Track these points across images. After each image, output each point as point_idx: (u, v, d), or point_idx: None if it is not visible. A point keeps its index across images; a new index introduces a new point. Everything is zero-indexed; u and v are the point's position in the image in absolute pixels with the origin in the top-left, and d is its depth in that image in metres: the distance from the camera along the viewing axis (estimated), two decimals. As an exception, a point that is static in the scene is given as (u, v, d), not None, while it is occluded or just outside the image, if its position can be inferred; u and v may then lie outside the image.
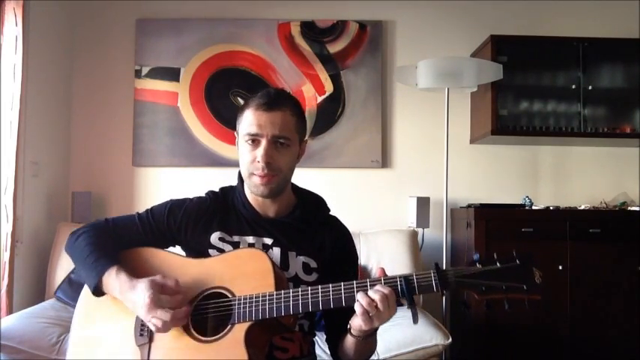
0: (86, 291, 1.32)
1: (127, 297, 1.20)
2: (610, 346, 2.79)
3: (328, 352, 1.42)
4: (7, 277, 2.55)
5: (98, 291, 1.24)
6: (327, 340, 1.40)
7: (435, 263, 1.16)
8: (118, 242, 1.33)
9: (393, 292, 1.12)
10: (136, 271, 1.26)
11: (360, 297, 1.11)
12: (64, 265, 2.77)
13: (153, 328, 1.17)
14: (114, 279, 1.22)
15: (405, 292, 1.12)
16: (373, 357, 2.23)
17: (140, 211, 1.39)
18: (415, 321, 1.14)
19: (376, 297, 1.10)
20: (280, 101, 1.29)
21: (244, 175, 1.33)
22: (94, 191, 3.21)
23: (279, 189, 1.33)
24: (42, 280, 2.86)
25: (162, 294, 1.17)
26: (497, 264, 1.11)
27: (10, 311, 2.55)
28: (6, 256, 2.56)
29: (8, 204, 2.59)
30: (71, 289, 2.65)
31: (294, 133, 1.31)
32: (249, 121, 1.29)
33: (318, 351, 1.43)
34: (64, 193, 3.22)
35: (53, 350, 2.23)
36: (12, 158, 2.60)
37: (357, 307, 1.11)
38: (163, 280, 1.19)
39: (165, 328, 1.16)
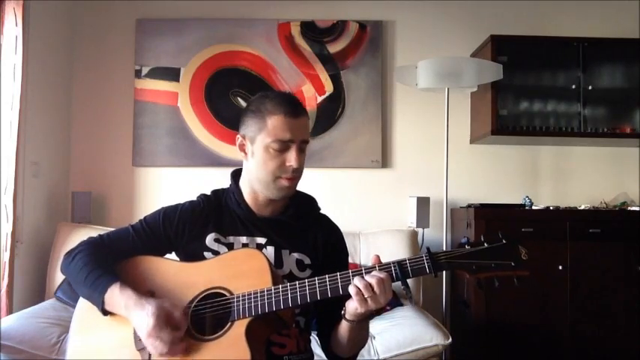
0: (82, 299, 1.33)
1: (134, 313, 1.20)
2: (610, 346, 2.79)
3: None
4: (7, 277, 2.55)
5: (105, 310, 1.25)
6: (318, 335, 1.42)
7: (427, 247, 1.20)
8: (115, 257, 1.33)
9: (389, 277, 1.15)
10: (133, 279, 1.27)
11: (356, 280, 1.15)
12: (64, 265, 2.77)
13: (151, 352, 1.19)
14: (118, 295, 1.22)
15: (399, 276, 1.16)
16: (373, 357, 2.24)
17: (133, 223, 1.40)
18: (411, 301, 1.19)
19: (372, 280, 1.14)
20: (302, 107, 1.35)
21: (266, 180, 1.32)
22: (94, 191, 3.21)
23: (295, 190, 1.39)
24: (42, 280, 2.86)
25: (168, 322, 1.18)
26: (485, 245, 1.17)
27: (10, 311, 2.55)
28: (6, 256, 2.56)
29: (8, 204, 2.59)
30: (71, 289, 2.60)
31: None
32: (278, 127, 1.29)
33: (317, 350, 1.44)
34: (64, 193, 3.22)
35: (53, 350, 2.23)
36: (12, 158, 2.60)
37: (351, 289, 1.14)
38: (171, 308, 1.20)
39: (160, 356, 1.18)
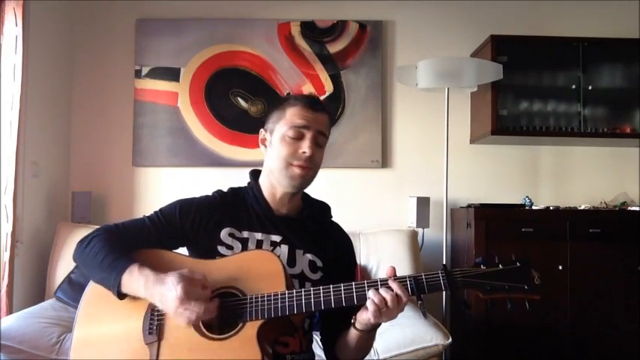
0: (89, 291, 1.31)
1: (155, 291, 1.18)
2: (610, 346, 2.79)
3: None
4: (7, 277, 2.55)
5: (120, 292, 1.23)
6: (322, 338, 1.43)
7: (443, 264, 1.23)
8: (128, 246, 1.31)
9: (405, 293, 1.16)
10: None
11: (372, 294, 1.16)
12: (64, 265, 2.78)
13: (184, 321, 1.17)
14: (137, 275, 1.20)
15: (414, 291, 1.17)
16: (373, 357, 2.24)
17: (148, 214, 1.39)
18: (425, 316, 1.23)
19: (387, 296, 1.15)
20: (322, 105, 1.40)
21: (279, 167, 1.35)
22: (94, 191, 3.21)
23: (308, 184, 1.39)
24: (42, 280, 2.85)
25: (193, 285, 1.17)
26: (500, 266, 1.19)
27: (10, 311, 2.55)
28: (6, 256, 2.56)
29: (8, 204, 2.59)
30: (71, 289, 2.66)
31: (328, 136, 1.41)
32: (295, 115, 1.36)
33: (317, 350, 1.44)
34: (64, 193, 3.22)
35: (53, 350, 2.23)
36: (12, 158, 2.60)
37: (369, 304, 1.16)
38: (191, 273, 1.19)
39: (197, 319, 1.17)
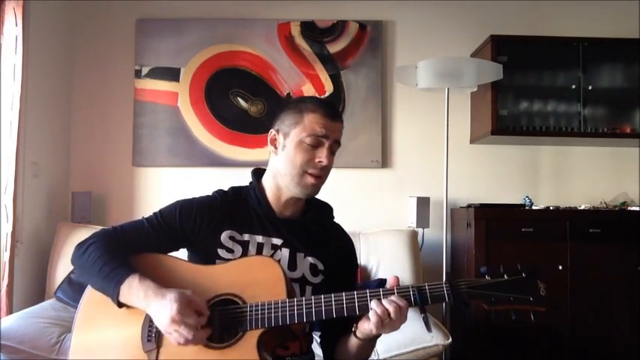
0: (88, 294, 1.30)
1: (152, 303, 1.17)
2: (610, 346, 2.79)
3: None
4: (7, 277, 2.55)
5: (119, 302, 1.22)
6: (321, 343, 1.42)
7: (447, 272, 1.20)
8: (128, 249, 1.30)
9: (407, 305, 1.16)
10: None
11: (374, 305, 1.15)
12: (64, 265, 2.77)
13: (172, 341, 1.17)
14: (137, 286, 1.19)
15: (417, 302, 1.16)
16: (373, 357, 2.24)
17: (147, 216, 1.37)
18: (428, 329, 1.19)
19: (390, 308, 1.15)
20: (339, 114, 1.40)
21: (292, 173, 1.33)
22: (94, 191, 3.21)
23: (318, 192, 1.38)
24: (42, 280, 2.86)
25: (191, 308, 1.16)
26: (505, 276, 1.17)
27: (10, 311, 2.55)
28: (6, 256, 2.57)
29: (8, 204, 2.59)
30: (71, 289, 2.65)
31: (340, 143, 1.40)
32: (315, 122, 1.32)
33: (317, 350, 1.44)
34: (64, 193, 3.22)
35: (53, 350, 2.23)
36: (12, 158, 2.60)
37: (371, 315, 1.15)
38: (193, 297, 1.18)
39: (185, 343, 1.16)
